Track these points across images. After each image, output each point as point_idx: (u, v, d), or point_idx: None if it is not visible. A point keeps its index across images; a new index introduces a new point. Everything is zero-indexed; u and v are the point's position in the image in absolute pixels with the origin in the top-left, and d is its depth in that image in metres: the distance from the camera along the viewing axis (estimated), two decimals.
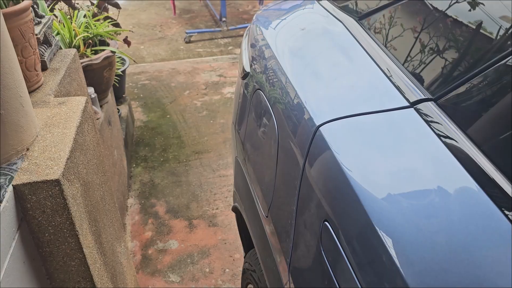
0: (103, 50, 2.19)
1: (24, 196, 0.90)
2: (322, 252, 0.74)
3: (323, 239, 0.74)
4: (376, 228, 0.61)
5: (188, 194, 2.55)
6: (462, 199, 0.60)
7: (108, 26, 2.34)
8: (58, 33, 2.00)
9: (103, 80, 2.21)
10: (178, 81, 3.84)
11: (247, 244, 1.60)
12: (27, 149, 0.98)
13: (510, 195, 0.57)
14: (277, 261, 0.99)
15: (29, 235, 0.95)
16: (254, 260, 1.34)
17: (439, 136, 0.69)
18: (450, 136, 0.68)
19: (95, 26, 2.20)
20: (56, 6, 2.24)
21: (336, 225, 0.70)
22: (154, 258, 2.15)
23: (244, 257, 1.54)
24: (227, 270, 2.06)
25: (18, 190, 0.89)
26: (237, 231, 1.69)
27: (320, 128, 0.80)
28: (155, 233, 2.29)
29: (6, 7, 1.11)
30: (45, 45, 1.41)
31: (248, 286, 1.46)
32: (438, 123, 0.71)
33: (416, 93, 0.79)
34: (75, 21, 2.17)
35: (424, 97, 0.77)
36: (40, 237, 0.96)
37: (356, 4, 1.18)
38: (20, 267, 0.90)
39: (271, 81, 1.10)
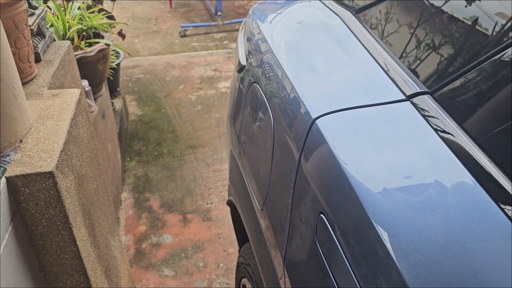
0: (98, 42, 2.17)
1: (17, 188, 0.89)
2: (318, 245, 0.74)
3: (318, 232, 0.74)
4: (372, 221, 0.61)
5: (182, 188, 2.54)
6: (458, 192, 0.60)
7: (103, 19, 2.32)
8: (52, 25, 1.98)
9: (97, 73, 2.20)
10: (173, 75, 3.82)
11: (242, 238, 1.60)
12: (20, 141, 0.97)
13: (506, 189, 0.57)
14: (272, 254, 0.99)
15: (22, 228, 0.94)
16: (248, 254, 1.34)
17: (435, 129, 0.69)
18: (446, 130, 0.68)
19: (89, 18, 2.18)
20: None
21: (332, 218, 0.70)
22: (148, 252, 2.14)
23: (239, 251, 1.54)
24: (221, 264, 2.06)
25: (11, 182, 0.88)
26: (231, 226, 1.69)
27: (316, 121, 0.80)
28: (149, 227, 2.29)
29: None
30: (38, 37, 1.39)
31: (242, 280, 1.46)
32: (434, 116, 0.71)
33: (412, 87, 0.79)
34: (69, 13, 2.15)
35: (420, 91, 0.77)
36: (34, 230, 0.95)
37: None
38: (13, 259, 0.90)
39: (267, 74, 1.09)
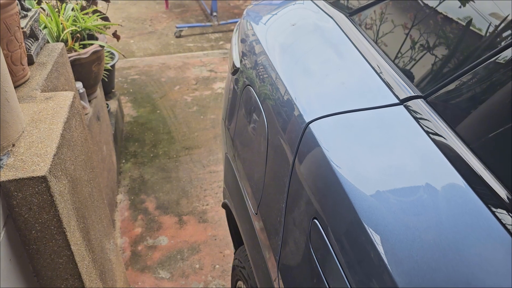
0: (92, 44, 2.16)
1: (10, 193, 0.88)
2: (311, 249, 0.74)
3: (312, 237, 0.74)
4: (365, 225, 0.61)
5: (178, 190, 2.54)
6: (450, 196, 0.60)
7: (97, 20, 2.31)
8: (45, 27, 1.97)
9: (92, 74, 2.19)
10: (168, 76, 3.82)
11: (237, 241, 1.60)
12: (13, 145, 0.96)
13: (498, 193, 0.57)
14: (266, 258, 0.99)
15: (15, 233, 0.93)
16: (243, 257, 1.34)
17: (428, 133, 0.69)
18: (439, 134, 0.68)
19: (83, 19, 2.17)
20: None
21: (325, 222, 0.70)
22: (143, 254, 2.14)
23: (234, 253, 1.54)
24: (217, 266, 2.06)
25: (3, 187, 0.87)
26: (227, 227, 1.69)
27: (310, 125, 0.80)
28: (145, 229, 2.28)
29: None
30: (31, 39, 1.38)
31: (238, 283, 1.46)
32: (428, 120, 0.71)
33: (405, 90, 0.79)
34: (63, 14, 2.14)
35: (413, 94, 0.77)
36: (27, 235, 0.95)
37: (347, 0, 1.17)
38: (7, 265, 0.89)
39: (261, 77, 1.09)
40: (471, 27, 0.79)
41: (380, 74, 0.86)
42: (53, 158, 0.94)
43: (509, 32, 0.70)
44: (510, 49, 0.67)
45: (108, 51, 2.87)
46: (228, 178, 1.40)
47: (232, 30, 4.88)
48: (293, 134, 0.84)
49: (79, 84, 1.94)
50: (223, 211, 2.33)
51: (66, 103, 1.13)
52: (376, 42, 0.95)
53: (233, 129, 1.29)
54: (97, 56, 2.15)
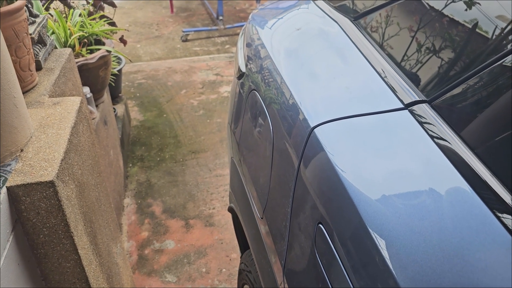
0: (99, 49, 2.18)
1: (18, 197, 0.89)
2: (316, 254, 0.74)
3: (317, 241, 0.74)
4: (370, 230, 0.61)
5: (184, 193, 2.55)
6: (455, 201, 0.60)
7: (104, 25, 2.33)
8: (53, 33, 1.99)
9: (99, 79, 2.21)
10: (174, 80, 3.83)
11: (244, 245, 1.60)
12: (21, 150, 0.97)
13: (503, 197, 0.57)
14: (271, 262, 0.99)
15: (23, 237, 0.94)
16: (250, 261, 1.34)
17: (433, 138, 0.69)
18: (444, 138, 0.68)
19: (90, 25, 2.19)
20: (51, 5, 2.23)
21: (330, 226, 0.70)
22: (150, 258, 2.15)
23: (241, 257, 1.54)
24: (224, 270, 2.06)
25: (12, 192, 0.89)
26: (234, 231, 1.69)
27: (315, 130, 0.80)
28: (152, 233, 2.29)
29: (0, 7, 1.10)
30: (39, 45, 1.40)
31: (244, 287, 1.46)
32: (432, 125, 0.71)
33: (410, 95, 0.79)
34: (70, 20, 2.16)
35: (418, 99, 0.77)
36: (35, 239, 0.96)
37: (352, 4, 1.17)
38: (15, 269, 0.90)
39: (266, 81, 1.09)
40: (476, 31, 0.79)
41: (385, 79, 0.86)
42: (61, 163, 0.95)
43: None
44: None
45: (115, 56, 2.89)
46: (234, 182, 1.40)
47: (238, 34, 4.89)
48: (298, 138, 0.84)
49: (87, 89, 1.96)
50: (229, 215, 2.33)
51: (73, 108, 1.14)
52: (380, 47, 0.95)
53: (238, 133, 1.30)
54: (104, 61, 2.17)
